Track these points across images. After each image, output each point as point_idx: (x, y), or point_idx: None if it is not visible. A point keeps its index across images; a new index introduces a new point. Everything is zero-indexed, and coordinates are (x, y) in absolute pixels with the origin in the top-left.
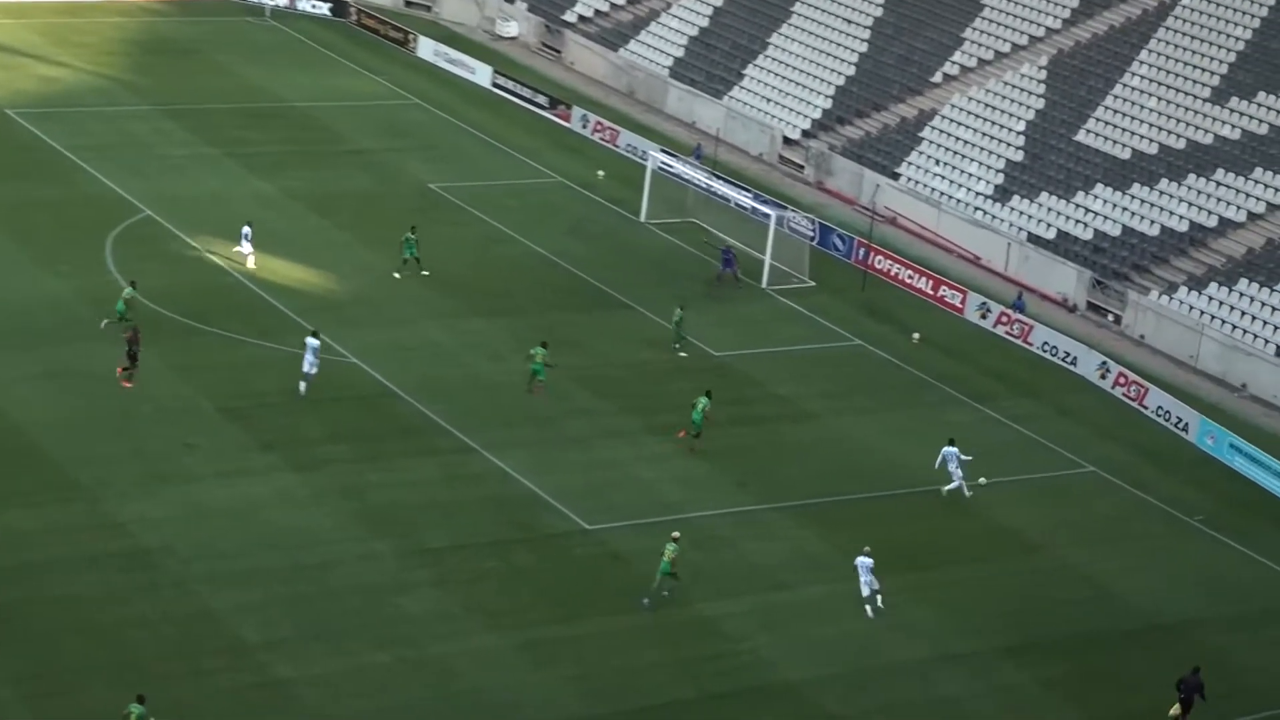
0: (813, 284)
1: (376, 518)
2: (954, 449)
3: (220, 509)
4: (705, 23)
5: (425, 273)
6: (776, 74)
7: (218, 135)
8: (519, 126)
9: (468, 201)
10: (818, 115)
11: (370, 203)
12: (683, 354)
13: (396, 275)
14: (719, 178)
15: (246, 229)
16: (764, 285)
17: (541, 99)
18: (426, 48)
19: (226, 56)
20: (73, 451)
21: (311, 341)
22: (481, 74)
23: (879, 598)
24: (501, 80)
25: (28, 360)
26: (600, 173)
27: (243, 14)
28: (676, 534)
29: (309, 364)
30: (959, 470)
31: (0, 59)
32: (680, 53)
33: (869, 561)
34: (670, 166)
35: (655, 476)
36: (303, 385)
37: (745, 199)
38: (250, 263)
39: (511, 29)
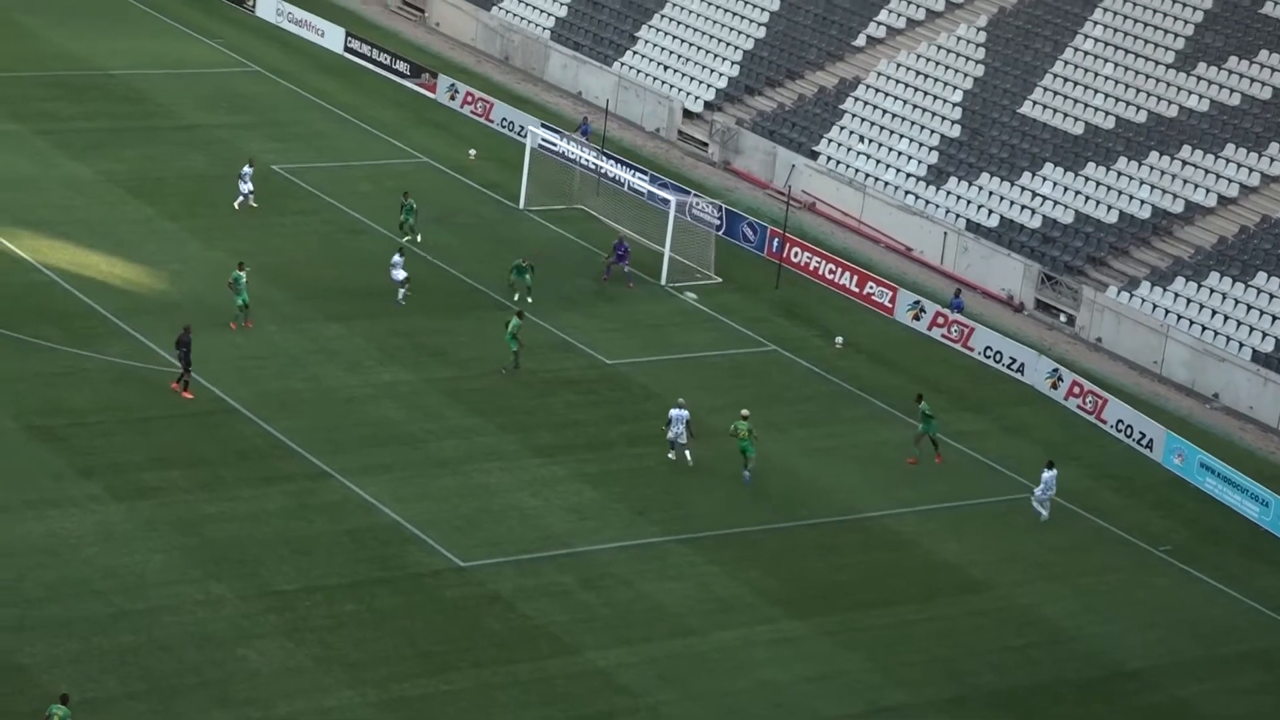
0: (719, 280)
1: (214, 556)
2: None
3: (28, 545)
4: None
5: (417, 238)
6: (675, 37)
7: (22, 109)
8: (377, 98)
9: (317, 186)
10: (723, 85)
11: (203, 187)
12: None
13: (418, 239)
14: (609, 157)
15: (246, 169)
16: (663, 282)
17: (402, 66)
18: (268, 6)
19: (30, 16)
20: None
21: (396, 258)
22: (332, 36)
23: (688, 453)
24: (356, 44)
25: None
26: (471, 152)
27: None
28: (746, 412)
29: (399, 276)
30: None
31: None
32: (563, 12)
33: (684, 414)
34: (553, 145)
35: (540, 505)
36: (401, 293)
37: (641, 182)
38: (248, 202)
39: None
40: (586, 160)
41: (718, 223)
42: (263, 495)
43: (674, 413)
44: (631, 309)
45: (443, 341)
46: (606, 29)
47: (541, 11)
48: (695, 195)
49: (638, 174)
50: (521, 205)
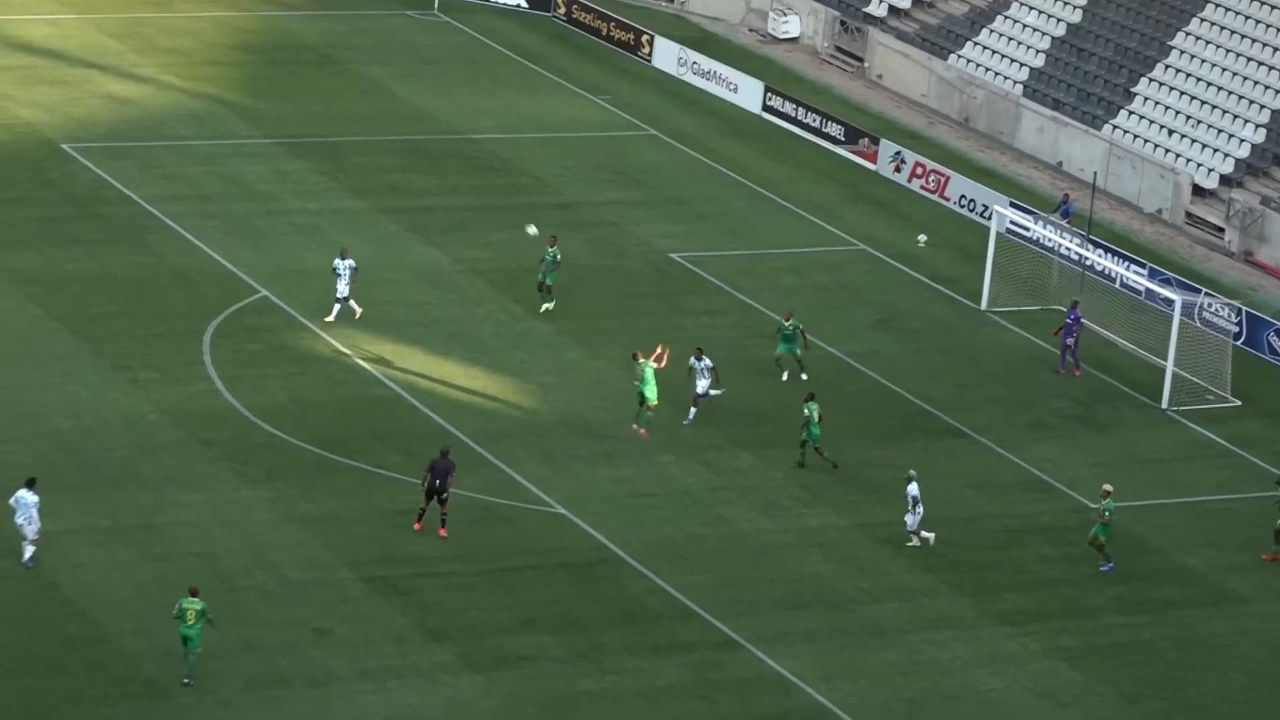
0: (1237, 404)
1: None
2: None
3: None
4: (1076, 17)
5: (547, 306)
6: (1182, 92)
7: (366, 181)
8: (802, 169)
9: (726, 279)
10: (1244, 154)
11: (585, 280)
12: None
13: (547, 306)
14: (1096, 246)
15: (342, 263)
16: (1165, 405)
17: (835, 129)
18: (667, 54)
19: (376, 67)
20: (153, 642)
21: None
22: (747, 92)
23: (927, 535)
24: (776, 101)
25: (91, 508)
26: (921, 238)
27: (400, 5)
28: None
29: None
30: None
31: (55, 70)
32: (1039, 61)
33: (914, 490)
34: (1024, 229)
35: (1004, 687)
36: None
37: (1137, 278)
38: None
39: (791, 26)
40: (1068, 249)
41: (1236, 329)
42: (654, 668)
43: (910, 489)
44: (1124, 439)
45: (882, 477)
46: (1095, 83)
47: (1012, 61)
48: (1207, 295)
49: (1133, 267)
50: (984, 305)
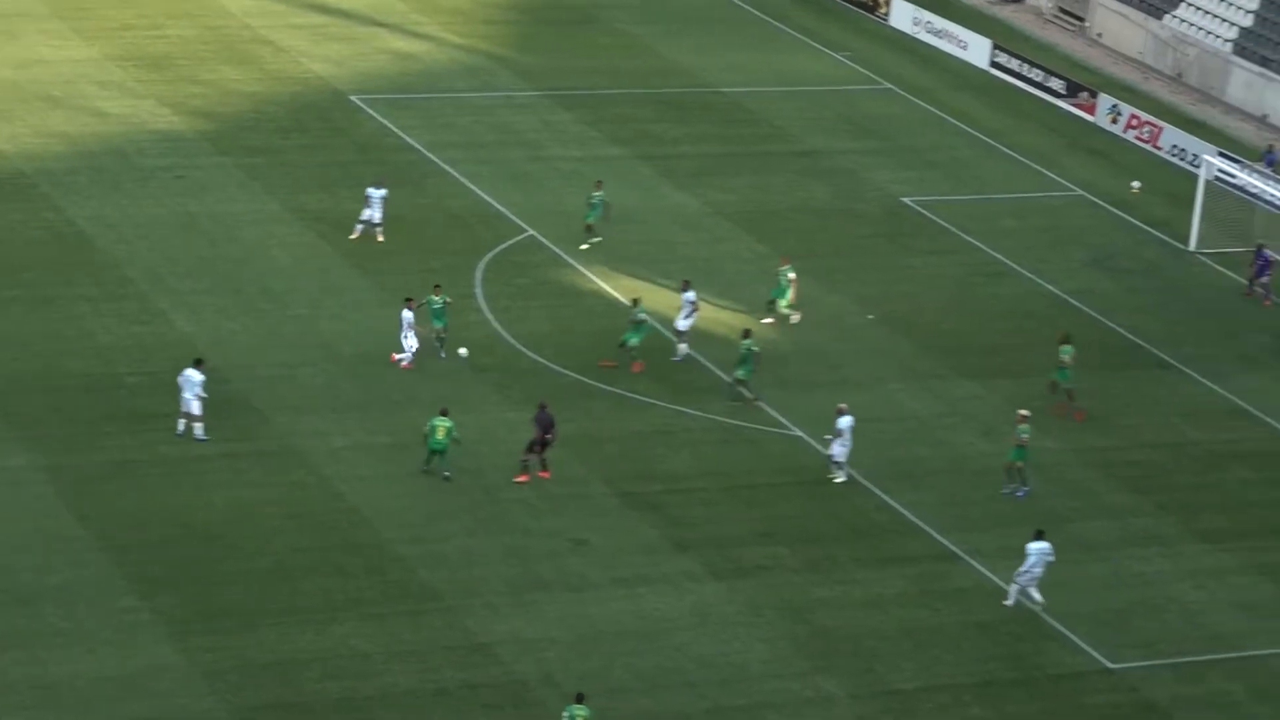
0: None
1: (825, 647)
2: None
3: (618, 628)
4: None
5: (596, 239)
6: None
7: (625, 131)
8: (1026, 121)
9: (952, 221)
10: None
11: (823, 222)
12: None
13: (585, 247)
14: None
15: (376, 192)
16: None
17: (1056, 84)
18: (903, 14)
19: (637, 26)
20: (426, 548)
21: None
22: (976, 49)
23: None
24: (1003, 58)
25: (373, 426)
26: (1135, 184)
27: None
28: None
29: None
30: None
31: (344, 28)
32: (1247, 21)
33: (849, 421)
34: (1231, 176)
35: (1204, 599)
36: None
37: None
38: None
39: None
40: (1272, 195)
41: None
42: (881, 579)
43: (842, 421)
44: None
45: (1094, 405)
46: None
47: (1222, 20)
48: None
49: None
50: (1192, 247)
